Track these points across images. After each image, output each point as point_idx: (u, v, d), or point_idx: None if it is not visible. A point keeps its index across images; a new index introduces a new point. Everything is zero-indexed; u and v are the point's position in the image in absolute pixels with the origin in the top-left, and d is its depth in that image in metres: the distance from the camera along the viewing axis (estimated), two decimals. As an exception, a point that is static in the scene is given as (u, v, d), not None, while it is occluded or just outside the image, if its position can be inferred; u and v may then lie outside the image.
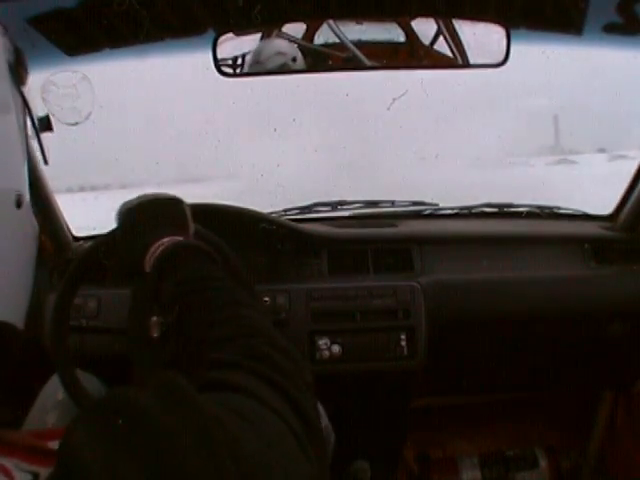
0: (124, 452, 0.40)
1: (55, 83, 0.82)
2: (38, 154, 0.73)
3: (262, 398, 0.49)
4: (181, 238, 0.80)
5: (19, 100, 0.62)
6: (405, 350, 1.26)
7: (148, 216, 0.85)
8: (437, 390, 1.56)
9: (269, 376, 0.52)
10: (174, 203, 0.88)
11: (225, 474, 0.40)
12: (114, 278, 1.22)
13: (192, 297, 0.68)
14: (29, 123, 0.68)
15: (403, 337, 1.26)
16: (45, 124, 0.73)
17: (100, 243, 1.07)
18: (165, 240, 0.78)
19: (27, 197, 0.60)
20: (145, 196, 0.88)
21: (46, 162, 0.74)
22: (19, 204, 0.57)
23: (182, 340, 0.67)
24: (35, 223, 0.67)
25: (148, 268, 0.76)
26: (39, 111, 0.75)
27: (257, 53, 1.17)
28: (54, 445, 0.48)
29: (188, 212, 0.89)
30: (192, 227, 0.88)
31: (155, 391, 0.46)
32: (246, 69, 1.18)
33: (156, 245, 0.77)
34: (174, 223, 0.84)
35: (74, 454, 0.40)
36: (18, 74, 0.61)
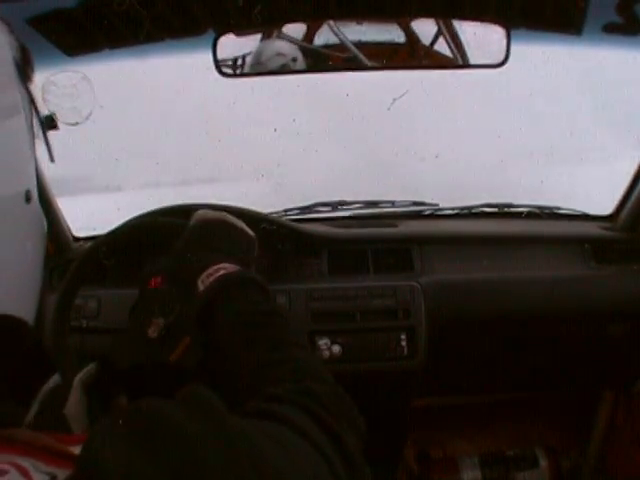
0: (145, 457, 0.40)
1: (55, 83, 0.82)
2: (38, 153, 0.73)
3: (305, 432, 0.48)
4: (234, 267, 0.77)
5: (26, 99, 0.63)
6: (405, 350, 1.26)
7: (219, 237, 0.82)
8: (437, 390, 1.56)
9: (318, 414, 0.51)
10: (246, 236, 0.86)
11: None
12: (118, 277, 1.21)
13: (248, 331, 0.67)
14: (35, 121, 0.68)
15: (403, 337, 1.26)
16: (50, 122, 0.73)
17: (101, 243, 1.07)
18: (227, 265, 0.76)
19: (35, 192, 0.61)
20: (218, 211, 0.87)
21: (52, 160, 0.74)
22: (28, 199, 0.58)
23: (225, 368, 0.67)
24: (43, 217, 0.67)
25: (202, 286, 0.74)
26: (44, 110, 0.75)
27: (258, 54, 1.17)
28: (75, 450, 0.48)
29: (256, 246, 0.87)
30: (254, 261, 0.86)
31: (181, 402, 0.46)
32: (247, 70, 1.19)
33: (215, 267, 0.75)
34: (240, 253, 0.82)
35: (95, 457, 0.40)
36: (25, 73, 0.61)
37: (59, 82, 0.83)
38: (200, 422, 0.42)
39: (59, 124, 0.74)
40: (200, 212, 0.88)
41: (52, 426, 0.73)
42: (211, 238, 0.83)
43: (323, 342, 1.25)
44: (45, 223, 0.68)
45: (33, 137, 0.65)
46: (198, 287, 0.75)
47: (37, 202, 0.62)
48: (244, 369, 0.64)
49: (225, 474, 0.40)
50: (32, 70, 0.64)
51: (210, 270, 0.75)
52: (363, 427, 0.58)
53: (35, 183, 0.61)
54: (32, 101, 0.65)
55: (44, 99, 0.89)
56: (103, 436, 0.42)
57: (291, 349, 0.65)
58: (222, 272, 0.74)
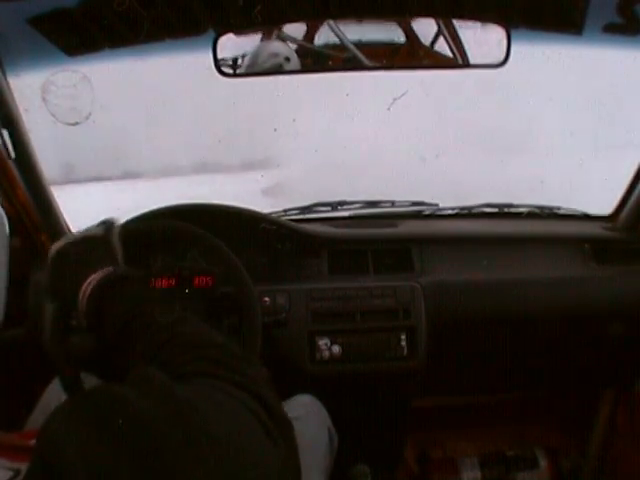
0: (100, 437, 0.41)
1: (55, 83, 0.82)
2: (38, 153, 0.73)
3: (228, 392, 0.51)
4: (110, 269, 0.80)
5: None
6: (405, 350, 1.26)
7: (76, 257, 0.85)
8: (437, 390, 1.56)
9: (230, 377, 0.54)
10: (99, 237, 0.88)
11: (201, 455, 0.42)
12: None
13: (132, 327, 0.69)
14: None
15: (403, 337, 1.26)
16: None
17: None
18: (95, 275, 0.79)
19: None
20: (68, 237, 0.89)
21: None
22: None
23: (123, 360, 0.68)
24: (1, 213, 0.66)
25: (83, 308, 0.78)
26: None
27: (254, 55, 1.18)
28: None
29: (114, 237, 0.89)
30: (120, 253, 0.88)
31: (131, 382, 0.48)
32: (243, 71, 1.19)
33: (87, 282, 0.78)
34: (102, 256, 0.84)
35: (50, 443, 0.41)
36: None
37: (59, 82, 0.83)
38: (151, 398, 0.45)
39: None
40: (51, 249, 0.89)
41: None
42: (76, 259, 0.85)
43: (323, 342, 1.25)
44: (5, 221, 0.67)
45: None
46: (83, 309, 0.78)
47: None
48: (139, 355, 0.66)
49: (181, 447, 0.42)
50: None
51: (83, 287, 0.78)
52: (266, 376, 0.61)
53: None
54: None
55: (44, 99, 0.89)
56: (56, 422, 0.43)
57: (173, 327, 0.67)
58: (90, 286, 0.78)
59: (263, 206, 1.40)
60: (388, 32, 1.30)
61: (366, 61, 1.19)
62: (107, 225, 0.90)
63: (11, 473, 0.46)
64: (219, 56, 1.11)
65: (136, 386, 0.47)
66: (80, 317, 0.80)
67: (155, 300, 0.75)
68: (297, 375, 1.25)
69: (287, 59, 1.17)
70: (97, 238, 0.88)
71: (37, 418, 1.03)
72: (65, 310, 1.03)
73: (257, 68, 1.18)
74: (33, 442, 0.49)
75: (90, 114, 0.87)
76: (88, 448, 0.40)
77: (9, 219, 0.80)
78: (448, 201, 1.58)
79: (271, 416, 0.51)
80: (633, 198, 1.42)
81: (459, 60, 1.24)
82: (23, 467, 0.46)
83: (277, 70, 1.19)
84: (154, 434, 0.42)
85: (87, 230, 0.90)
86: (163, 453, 0.41)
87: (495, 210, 1.55)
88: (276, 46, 1.18)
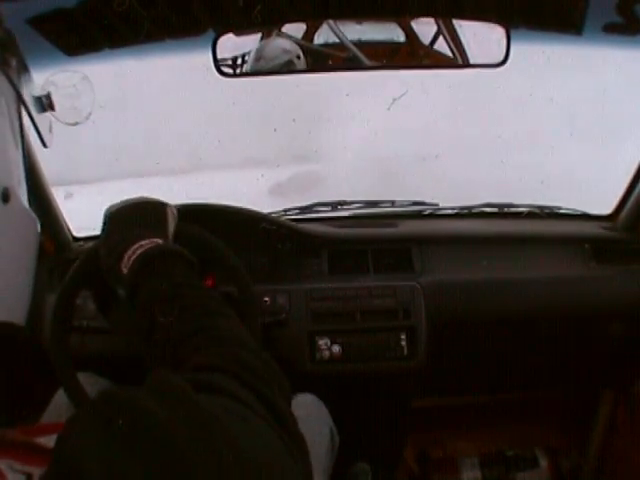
0: (124, 449, 0.40)
1: (55, 83, 0.82)
2: (37, 152, 0.72)
3: (247, 402, 0.50)
4: (160, 241, 0.79)
5: (6, 86, 0.60)
6: (405, 350, 1.26)
7: (128, 219, 0.85)
8: (437, 390, 1.56)
9: (249, 382, 0.53)
10: (155, 206, 0.88)
11: (225, 470, 0.41)
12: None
13: (170, 304, 0.68)
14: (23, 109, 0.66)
15: (403, 337, 1.26)
16: (44, 104, 0.71)
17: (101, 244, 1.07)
18: (143, 242, 0.78)
19: (18, 190, 0.59)
20: (128, 200, 0.89)
21: (45, 145, 0.73)
22: (5, 198, 0.56)
23: (157, 343, 0.67)
24: (34, 217, 0.65)
25: (125, 269, 0.76)
26: (36, 91, 0.73)
27: (260, 50, 1.17)
28: (45, 441, 0.47)
29: (170, 214, 0.89)
30: (172, 229, 0.88)
31: (152, 390, 0.46)
32: (248, 66, 1.18)
33: (134, 247, 0.77)
34: (154, 226, 0.84)
35: (71, 453, 0.40)
36: (4, 59, 0.59)
37: (59, 82, 0.82)
38: (173, 409, 0.43)
39: (56, 108, 0.73)
40: (107, 207, 0.90)
41: None
42: (120, 223, 0.85)
43: (323, 342, 1.25)
44: (37, 223, 0.66)
45: (16, 134, 0.63)
46: (122, 272, 0.76)
47: (21, 202, 0.60)
48: (168, 339, 0.65)
49: (206, 462, 0.40)
50: (14, 56, 0.61)
51: (129, 252, 0.77)
52: (289, 389, 0.61)
53: (18, 181, 0.60)
54: (15, 89, 0.62)
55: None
56: (78, 431, 0.42)
57: (212, 318, 0.66)
58: (139, 251, 0.76)
59: (263, 206, 1.39)
60: (388, 32, 1.30)
61: (366, 61, 1.19)
62: (162, 201, 0.90)
63: (23, 477, 0.45)
64: (219, 56, 1.11)
65: (155, 393, 0.45)
66: (118, 282, 0.78)
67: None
68: (297, 375, 1.25)
69: (298, 57, 1.17)
70: (155, 205, 0.88)
71: (48, 419, 1.02)
72: (68, 310, 1.03)
73: (264, 64, 1.18)
74: (43, 440, 0.48)
75: (90, 114, 0.86)
76: (110, 461, 0.39)
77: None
78: (448, 201, 1.58)
79: (285, 430, 0.50)
80: (633, 198, 1.42)
81: (459, 60, 1.24)
82: (35, 471, 0.45)
83: (281, 70, 1.19)
84: (177, 446, 0.41)
85: (143, 198, 0.89)
86: (186, 465, 0.40)
87: (495, 210, 1.55)
88: (285, 43, 1.18)
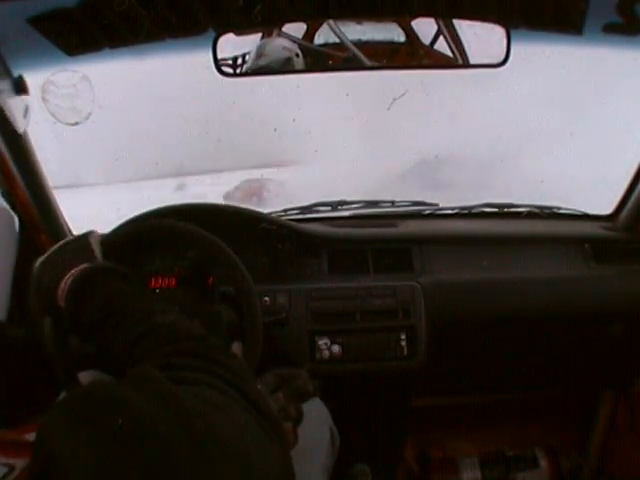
0: (100, 438, 0.40)
1: (55, 83, 0.82)
2: (38, 153, 0.72)
3: (222, 390, 0.50)
4: (86, 265, 0.83)
5: None
6: (405, 350, 1.26)
7: (54, 260, 0.88)
8: (437, 390, 1.55)
9: (216, 371, 0.54)
10: (76, 240, 0.93)
11: (210, 460, 0.41)
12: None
13: (111, 320, 0.71)
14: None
15: (403, 337, 1.26)
16: (17, 88, 0.71)
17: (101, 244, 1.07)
18: (73, 271, 0.82)
19: None
20: (49, 250, 0.92)
21: (18, 130, 0.72)
22: None
23: (115, 354, 0.69)
24: (10, 213, 0.66)
25: (62, 303, 0.80)
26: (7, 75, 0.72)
27: (260, 47, 1.17)
28: (31, 437, 0.48)
29: (93, 240, 0.92)
30: (98, 251, 0.91)
31: (132, 383, 0.47)
32: (249, 64, 1.18)
33: (65, 279, 0.81)
34: (79, 255, 0.88)
35: (51, 444, 0.41)
36: None
37: (59, 82, 0.82)
38: (155, 404, 0.44)
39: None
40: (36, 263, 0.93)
41: None
42: (46, 266, 0.88)
43: (323, 342, 1.25)
44: (15, 218, 0.66)
45: None
46: (60, 305, 0.81)
47: None
48: (120, 347, 0.67)
49: (190, 453, 0.41)
50: None
51: (62, 285, 0.82)
52: (245, 365, 0.62)
53: None
54: None
55: (44, 99, 0.89)
56: (57, 422, 0.43)
57: (151, 318, 0.68)
58: (69, 280, 0.81)
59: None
60: (388, 32, 1.30)
61: (366, 61, 1.19)
62: (85, 232, 0.94)
63: (5, 469, 0.46)
64: (219, 56, 1.11)
65: (135, 385, 0.47)
66: (62, 313, 0.82)
67: (152, 299, 0.76)
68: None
69: (297, 55, 1.17)
70: (74, 242, 0.92)
71: None
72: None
73: (264, 61, 1.18)
74: (28, 437, 0.48)
75: (90, 114, 0.86)
76: (87, 450, 0.40)
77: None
78: (448, 201, 1.58)
79: (260, 412, 0.51)
80: (633, 198, 1.42)
81: (459, 60, 1.24)
82: (18, 462, 0.46)
83: (282, 70, 1.19)
84: (158, 436, 0.41)
85: (66, 240, 0.94)
86: (168, 456, 0.40)
87: (495, 210, 1.55)
88: (286, 41, 1.18)
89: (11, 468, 0.46)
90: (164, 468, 0.40)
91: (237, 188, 2.54)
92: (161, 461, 0.40)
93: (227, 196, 2.52)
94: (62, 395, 1.07)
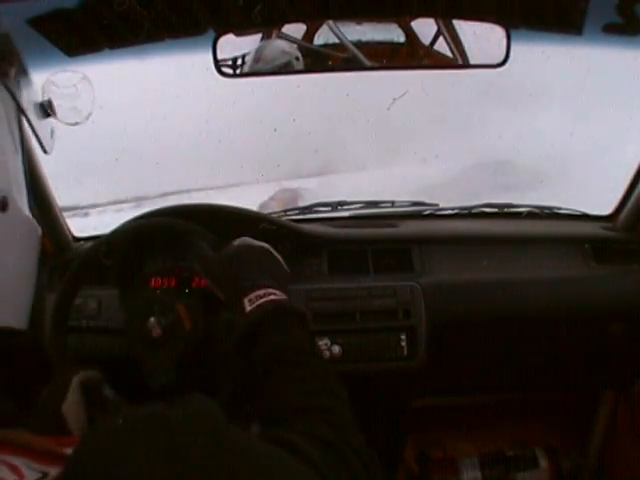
0: (141, 463, 0.40)
1: (55, 83, 0.82)
2: (39, 153, 0.72)
3: (315, 463, 0.49)
4: (284, 296, 0.78)
5: (5, 95, 0.60)
6: (405, 350, 1.26)
7: (257, 261, 0.84)
8: (437, 390, 1.55)
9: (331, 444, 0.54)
10: (284, 267, 0.90)
11: None
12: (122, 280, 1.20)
13: (286, 367, 0.68)
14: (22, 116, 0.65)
15: (403, 337, 1.26)
16: (45, 110, 0.71)
17: (101, 243, 1.07)
18: (276, 292, 0.76)
19: (18, 198, 0.58)
20: (252, 241, 0.91)
21: (45, 151, 0.72)
22: (3, 207, 0.55)
23: (256, 391, 0.67)
24: (35, 224, 0.65)
25: (248, 307, 0.75)
26: (37, 97, 0.72)
27: (259, 51, 1.17)
28: (69, 451, 0.48)
29: (286, 269, 0.90)
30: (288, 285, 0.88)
31: (185, 414, 0.45)
32: (247, 68, 1.18)
33: (265, 290, 0.76)
34: (278, 278, 0.83)
35: (83, 459, 0.41)
36: (2, 69, 0.58)
37: (59, 82, 0.82)
38: (205, 445, 0.43)
39: (56, 113, 0.72)
40: (244, 238, 0.91)
41: (50, 424, 0.74)
42: (259, 262, 0.84)
43: (323, 342, 1.25)
44: (38, 230, 0.66)
45: (17, 142, 0.63)
46: (244, 305, 0.75)
47: (19, 209, 0.59)
48: (274, 401, 0.65)
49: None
50: (8, 62, 0.61)
51: (260, 292, 0.75)
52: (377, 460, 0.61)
53: (17, 190, 0.59)
54: (12, 95, 0.62)
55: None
56: (98, 438, 0.42)
57: (324, 397, 0.65)
58: (272, 297, 0.75)
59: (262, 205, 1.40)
60: (388, 32, 1.30)
61: (366, 61, 1.19)
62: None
63: (39, 474, 0.46)
64: (219, 56, 1.11)
65: (190, 419, 0.45)
66: (234, 311, 0.79)
67: (154, 300, 0.75)
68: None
69: (297, 58, 1.17)
70: (278, 260, 0.92)
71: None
72: (67, 309, 1.03)
73: (263, 65, 1.18)
74: (67, 450, 0.48)
75: (90, 114, 0.86)
76: (141, 472, 0.40)
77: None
78: (448, 201, 1.58)
79: None
80: (633, 198, 1.42)
81: (459, 60, 1.24)
82: (52, 471, 0.45)
83: (282, 70, 1.19)
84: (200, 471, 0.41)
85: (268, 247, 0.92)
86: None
87: (495, 210, 1.55)
88: (284, 44, 1.18)
89: (45, 475, 0.46)
90: None
91: (272, 198, 2.51)
92: None
93: (262, 206, 2.51)
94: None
